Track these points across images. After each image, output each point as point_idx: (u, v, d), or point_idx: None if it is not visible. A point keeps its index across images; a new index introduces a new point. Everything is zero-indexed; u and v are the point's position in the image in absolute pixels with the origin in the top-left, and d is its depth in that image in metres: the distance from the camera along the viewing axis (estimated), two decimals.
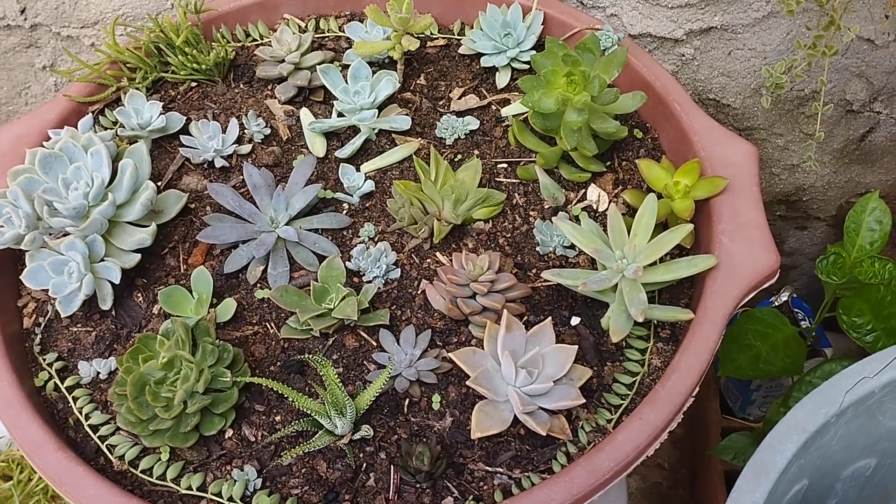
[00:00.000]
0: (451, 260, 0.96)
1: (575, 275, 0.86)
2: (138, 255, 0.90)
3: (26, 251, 0.88)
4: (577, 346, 0.82)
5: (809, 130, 1.36)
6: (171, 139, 1.07)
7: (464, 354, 0.83)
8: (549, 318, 0.86)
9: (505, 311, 0.83)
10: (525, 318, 0.91)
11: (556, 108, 0.93)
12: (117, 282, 0.88)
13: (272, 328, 0.92)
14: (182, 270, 0.96)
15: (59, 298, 0.87)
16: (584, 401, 0.80)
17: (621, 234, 0.88)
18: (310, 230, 0.98)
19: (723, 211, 0.93)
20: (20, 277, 0.88)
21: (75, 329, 0.92)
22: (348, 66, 1.10)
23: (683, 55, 1.29)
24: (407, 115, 1.09)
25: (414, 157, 1.02)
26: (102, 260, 0.89)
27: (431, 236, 0.97)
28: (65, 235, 0.90)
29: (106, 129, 1.06)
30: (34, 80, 1.43)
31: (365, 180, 1.02)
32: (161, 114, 1.03)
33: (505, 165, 1.06)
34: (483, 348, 0.84)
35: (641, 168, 0.98)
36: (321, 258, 0.95)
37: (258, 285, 0.95)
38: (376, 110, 1.03)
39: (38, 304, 0.94)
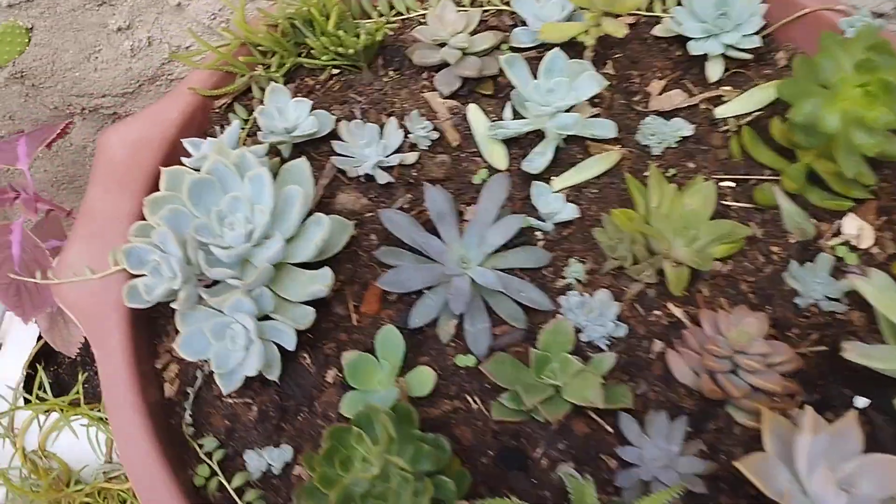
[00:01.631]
0: (687, 313, 0.77)
1: (891, 357, 0.67)
2: (313, 312, 0.71)
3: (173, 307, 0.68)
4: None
5: None
6: (316, 144, 0.86)
7: (754, 464, 0.64)
8: (838, 403, 0.68)
9: (808, 409, 0.64)
10: (794, 397, 0.72)
11: (841, 126, 0.72)
12: (292, 348, 0.69)
13: (475, 403, 0.73)
14: (355, 322, 0.76)
15: (220, 373, 0.67)
16: None
17: None
18: (504, 270, 0.79)
19: None
20: (173, 346, 0.68)
21: (231, 400, 0.73)
22: (517, 49, 0.88)
23: None
24: (599, 115, 0.88)
25: (627, 176, 0.81)
26: (269, 317, 0.69)
27: (660, 282, 0.77)
28: (215, 282, 0.70)
29: (249, 134, 0.84)
30: (106, 43, 1.21)
31: (564, 204, 0.81)
32: (309, 114, 0.82)
33: (731, 184, 0.85)
34: (764, 448, 0.66)
35: None
36: (526, 310, 0.76)
37: (452, 344, 0.75)
38: (578, 115, 0.82)
39: (183, 368, 0.75)
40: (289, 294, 0.70)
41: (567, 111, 0.84)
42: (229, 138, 0.75)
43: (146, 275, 0.66)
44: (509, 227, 0.77)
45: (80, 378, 1.17)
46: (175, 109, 0.81)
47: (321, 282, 0.70)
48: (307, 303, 0.72)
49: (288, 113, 0.82)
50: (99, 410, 1.11)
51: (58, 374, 1.24)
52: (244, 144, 0.86)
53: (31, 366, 1.18)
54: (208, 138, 0.76)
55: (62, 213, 0.97)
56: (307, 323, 0.70)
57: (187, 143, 0.75)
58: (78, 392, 1.14)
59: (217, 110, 0.87)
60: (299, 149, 0.86)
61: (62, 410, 1.10)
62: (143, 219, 0.77)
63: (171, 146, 0.80)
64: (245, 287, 0.67)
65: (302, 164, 0.73)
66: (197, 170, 0.71)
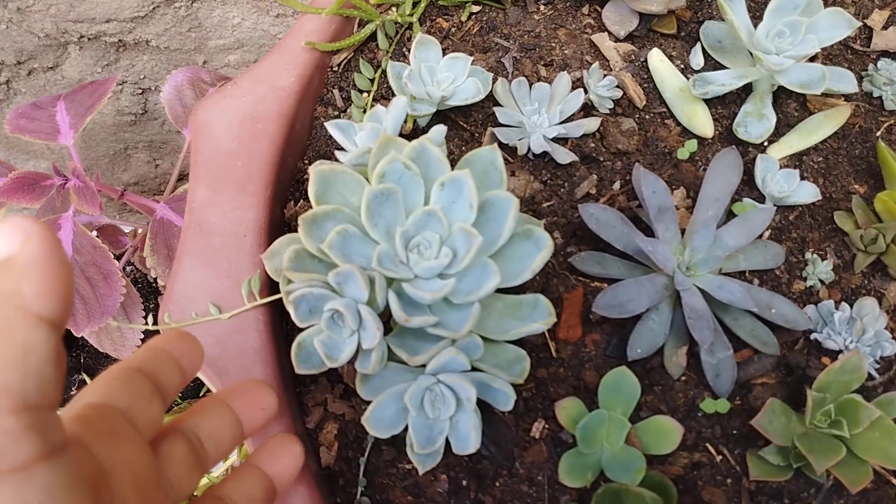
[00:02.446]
0: None
1: None
2: (526, 357, 0.53)
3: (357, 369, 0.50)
4: None
5: None
6: (465, 108, 0.66)
7: None
8: None
9: None
10: None
11: None
12: (509, 408, 0.51)
13: (720, 455, 0.57)
14: (554, 353, 0.59)
15: (421, 454, 0.50)
16: None
17: None
18: (733, 275, 0.61)
19: None
20: (362, 422, 0.50)
21: (406, 467, 0.56)
22: None
23: None
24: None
25: (880, 145, 0.63)
26: (476, 368, 0.51)
27: None
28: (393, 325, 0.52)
29: (364, 93, 0.64)
30: None
31: (798, 182, 0.63)
32: (468, 76, 0.61)
33: None
34: None
35: None
36: (775, 329, 0.59)
37: (683, 378, 0.58)
38: (821, 67, 0.62)
39: (342, 428, 0.57)
40: (494, 333, 0.52)
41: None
42: (394, 122, 0.55)
43: (320, 328, 0.47)
44: (753, 225, 0.59)
45: None
46: (289, 72, 0.60)
47: (539, 317, 0.52)
48: (521, 343, 0.54)
49: (437, 73, 0.61)
50: None
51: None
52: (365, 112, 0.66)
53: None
54: (365, 121, 0.55)
55: (115, 195, 0.76)
56: (523, 374, 0.52)
57: (334, 128, 0.55)
58: None
59: (335, 69, 0.66)
60: (441, 115, 0.66)
61: None
62: (274, 229, 0.57)
63: (290, 125, 0.59)
64: (453, 336, 0.48)
65: (490, 154, 0.53)
66: (363, 171, 0.51)
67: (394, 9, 0.66)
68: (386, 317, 0.52)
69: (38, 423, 0.28)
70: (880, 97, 0.69)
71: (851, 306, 0.60)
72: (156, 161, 1.41)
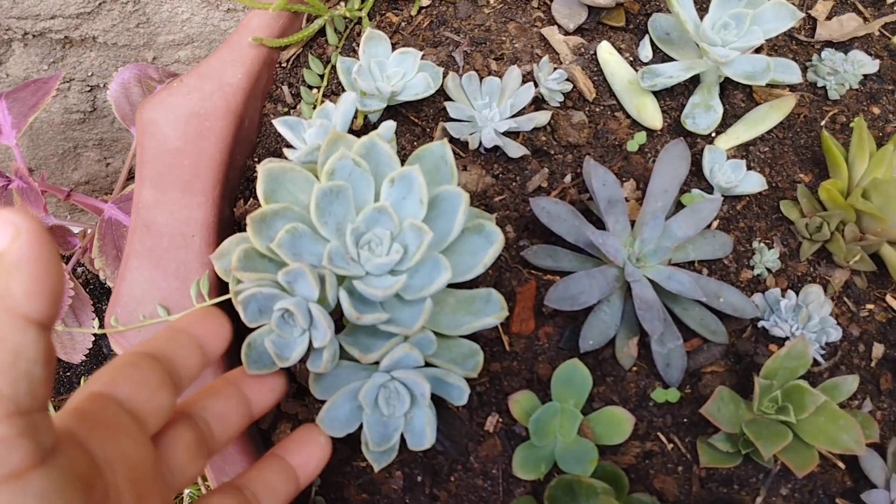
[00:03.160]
0: None
1: None
2: (479, 351, 0.53)
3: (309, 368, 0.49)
4: None
5: None
6: (415, 103, 0.66)
7: None
8: None
9: None
10: None
11: None
12: (463, 402, 0.51)
13: (671, 443, 0.57)
14: (507, 347, 0.59)
15: (377, 451, 0.50)
16: None
17: None
18: (682, 266, 0.62)
19: None
20: (316, 422, 0.49)
21: (361, 464, 0.56)
22: None
23: None
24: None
25: (825, 135, 0.64)
26: (430, 363, 0.51)
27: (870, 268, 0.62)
28: (345, 324, 0.51)
29: (313, 89, 0.63)
30: None
31: (745, 172, 0.64)
32: (418, 71, 0.61)
33: None
34: None
35: None
36: (723, 318, 0.60)
37: (634, 369, 0.59)
38: (766, 58, 0.64)
39: (296, 427, 0.56)
40: (447, 328, 0.52)
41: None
42: (343, 118, 0.54)
43: (270, 327, 0.47)
44: (701, 216, 0.59)
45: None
46: (236, 69, 0.59)
47: (491, 311, 0.52)
48: (473, 338, 0.54)
49: (388, 68, 0.61)
50: None
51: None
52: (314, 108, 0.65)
53: None
54: (314, 118, 0.55)
55: (61, 195, 0.75)
56: (477, 368, 0.52)
57: (282, 125, 0.54)
58: None
59: (284, 65, 0.65)
60: (392, 111, 0.66)
61: None
62: (224, 228, 0.56)
63: (238, 122, 0.58)
64: (405, 333, 0.48)
65: (441, 149, 0.53)
66: (312, 168, 0.51)
67: (342, 4, 0.65)
68: (338, 315, 0.51)
69: (30, 428, 0.27)
70: (824, 87, 0.70)
71: (797, 294, 0.61)
72: (106, 159, 1.39)
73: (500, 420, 0.57)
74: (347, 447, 0.56)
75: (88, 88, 1.25)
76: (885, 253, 0.62)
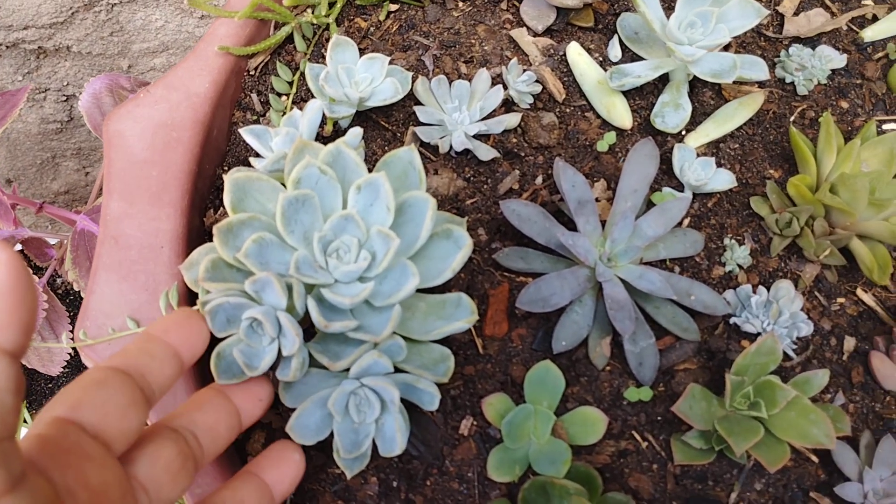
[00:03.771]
0: (878, 299, 0.63)
1: None
2: (450, 356, 0.53)
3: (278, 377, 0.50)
4: None
5: None
6: (385, 108, 0.66)
7: None
8: None
9: None
10: None
11: None
12: (434, 408, 0.52)
13: (645, 441, 0.58)
14: (481, 350, 0.59)
15: (348, 458, 0.50)
16: None
17: None
18: (654, 264, 0.62)
19: None
20: (286, 430, 0.50)
21: (336, 471, 0.56)
22: None
23: None
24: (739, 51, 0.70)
25: (793, 130, 0.64)
26: (398, 369, 0.52)
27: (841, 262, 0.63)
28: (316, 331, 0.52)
29: (282, 96, 0.63)
30: None
31: (715, 169, 0.65)
32: (386, 76, 0.61)
33: (895, 126, 0.70)
34: None
35: None
36: (695, 315, 0.60)
37: (608, 368, 0.59)
38: (732, 56, 0.64)
39: (269, 435, 0.57)
40: (418, 334, 0.52)
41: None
42: (309, 126, 0.54)
43: (239, 337, 0.47)
44: (670, 214, 0.60)
45: None
46: (203, 78, 0.59)
47: (462, 315, 0.52)
48: (445, 342, 0.54)
49: (356, 74, 0.61)
50: None
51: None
52: (283, 115, 0.65)
53: None
54: (282, 126, 0.55)
55: (32, 208, 0.75)
56: (448, 373, 0.53)
57: (248, 134, 0.54)
58: None
59: (252, 73, 0.65)
60: (362, 116, 0.66)
61: None
62: (194, 239, 0.56)
63: (207, 132, 0.58)
64: (374, 340, 0.48)
65: (408, 154, 0.53)
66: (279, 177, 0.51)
67: (309, 10, 0.65)
68: (307, 323, 0.51)
69: (0, 456, 0.27)
70: (793, 83, 0.71)
71: (768, 289, 0.61)
72: (86, 169, 1.38)
73: (475, 423, 0.58)
74: (322, 455, 0.56)
75: (64, 98, 1.24)
76: (855, 247, 0.63)
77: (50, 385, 1.05)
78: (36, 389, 1.04)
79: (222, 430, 0.46)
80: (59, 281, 1.12)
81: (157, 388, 0.42)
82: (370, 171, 0.51)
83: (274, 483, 0.48)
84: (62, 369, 0.85)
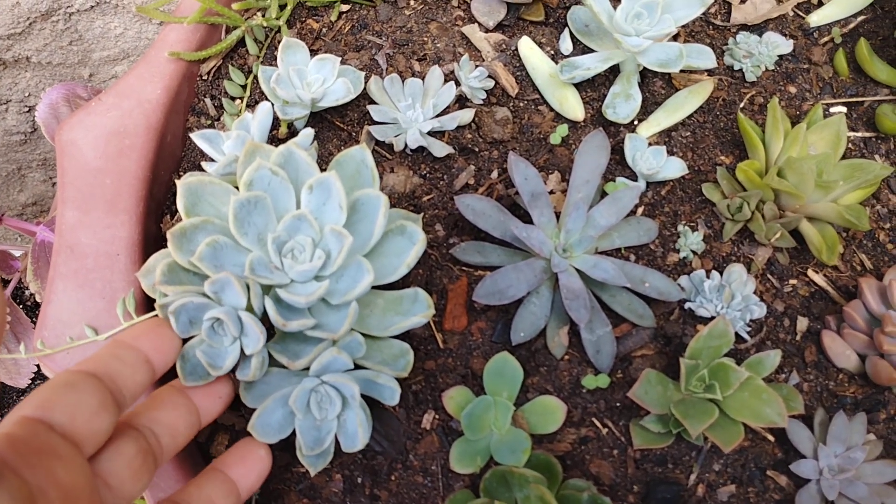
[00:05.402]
0: (829, 280, 0.64)
1: None
2: (409, 351, 0.54)
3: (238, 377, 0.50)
4: None
5: None
6: (340, 108, 0.67)
7: None
8: None
9: None
10: None
11: None
12: (395, 402, 0.52)
13: (605, 427, 0.59)
14: (441, 344, 0.60)
15: (311, 455, 0.50)
16: None
17: None
18: (608, 253, 0.63)
19: None
20: (248, 429, 0.50)
21: (301, 470, 0.57)
22: None
23: None
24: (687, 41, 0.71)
25: (741, 117, 0.66)
26: (358, 365, 0.52)
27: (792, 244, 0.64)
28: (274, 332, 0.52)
29: (236, 100, 0.64)
30: None
31: (666, 158, 0.66)
32: (338, 76, 0.62)
33: (841, 108, 0.71)
34: None
35: None
36: (648, 301, 0.61)
37: (566, 357, 0.60)
38: (679, 46, 0.65)
39: (233, 437, 0.57)
40: (377, 330, 0.53)
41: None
42: (260, 128, 0.55)
43: (202, 337, 0.47)
44: (622, 204, 0.61)
45: None
46: (155, 84, 0.59)
47: (419, 310, 0.53)
48: (403, 338, 0.55)
49: (307, 75, 0.61)
50: None
51: None
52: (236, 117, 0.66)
53: None
54: (233, 129, 0.55)
55: None
56: (407, 368, 0.53)
57: (200, 139, 0.55)
58: None
59: (205, 77, 0.65)
60: (317, 117, 0.66)
61: None
62: (150, 245, 0.57)
63: (160, 138, 0.58)
64: (332, 338, 0.49)
65: (360, 153, 0.54)
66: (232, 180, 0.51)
67: (260, 14, 0.65)
68: (266, 323, 0.52)
69: None
70: (741, 70, 0.72)
71: (721, 274, 0.63)
72: (52, 179, 1.37)
73: (437, 417, 0.58)
74: (286, 454, 0.57)
75: (27, 109, 1.23)
76: (804, 229, 0.64)
77: (21, 398, 1.05)
78: (8, 402, 1.04)
79: (182, 428, 0.46)
80: (27, 293, 1.11)
81: (129, 393, 0.42)
82: (323, 171, 0.51)
83: (240, 479, 0.49)
84: (30, 381, 0.85)
